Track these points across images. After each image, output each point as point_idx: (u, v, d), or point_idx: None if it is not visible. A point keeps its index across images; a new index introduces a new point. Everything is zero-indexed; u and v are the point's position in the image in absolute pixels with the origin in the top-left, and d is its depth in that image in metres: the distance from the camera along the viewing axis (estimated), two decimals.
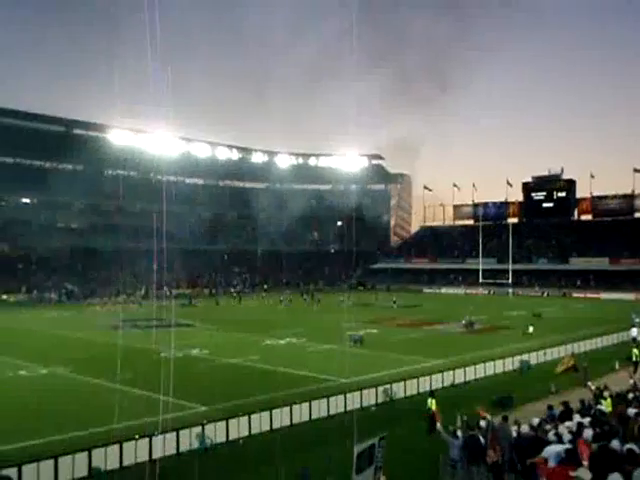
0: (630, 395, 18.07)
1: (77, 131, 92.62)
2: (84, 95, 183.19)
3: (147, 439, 16.86)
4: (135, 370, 25.73)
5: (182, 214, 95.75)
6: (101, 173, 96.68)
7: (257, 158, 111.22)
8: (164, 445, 16.84)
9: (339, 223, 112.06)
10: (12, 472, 14.64)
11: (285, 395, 22.14)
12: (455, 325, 46.88)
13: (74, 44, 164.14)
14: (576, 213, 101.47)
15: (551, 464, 10.16)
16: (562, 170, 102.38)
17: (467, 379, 27.37)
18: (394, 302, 63.70)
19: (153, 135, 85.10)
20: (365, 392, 23.09)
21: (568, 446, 10.83)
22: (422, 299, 74.29)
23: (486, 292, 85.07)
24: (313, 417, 21.00)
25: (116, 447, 16.40)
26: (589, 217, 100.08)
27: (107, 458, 16.12)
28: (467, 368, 27.87)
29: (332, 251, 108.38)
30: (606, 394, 18.43)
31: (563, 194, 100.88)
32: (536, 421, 14.47)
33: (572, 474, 8.05)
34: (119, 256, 79.01)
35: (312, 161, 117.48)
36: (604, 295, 77.45)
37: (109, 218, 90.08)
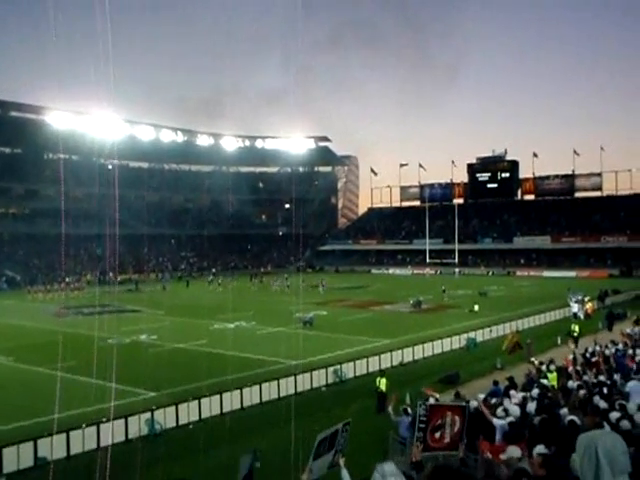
0: (570, 369, 18.63)
1: (14, 113, 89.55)
2: (21, 76, 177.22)
3: (95, 427, 16.59)
4: (81, 357, 25.22)
5: (127, 198, 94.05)
6: (41, 157, 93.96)
7: (202, 141, 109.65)
8: (112, 432, 16.60)
9: (287, 206, 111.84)
10: None
11: (235, 378, 22.07)
12: (403, 305, 47.46)
13: (8, 24, 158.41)
14: (519, 193, 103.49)
15: (497, 438, 10.39)
16: (505, 151, 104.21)
17: (415, 358, 27.81)
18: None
19: (95, 117, 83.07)
20: (315, 373, 23.21)
21: (511, 419, 11.10)
22: (370, 280, 74.93)
23: (433, 272, 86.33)
24: (264, 400, 21.01)
25: (63, 436, 16.09)
26: (532, 197, 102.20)
27: (53, 448, 15.80)
28: (415, 347, 28.30)
29: (280, 234, 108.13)
30: (552, 367, 18.97)
31: (507, 175, 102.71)
32: (482, 396, 14.77)
33: (502, 457, 8.20)
34: (62, 242, 77.12)
35: (259, 143, 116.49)
36: (546, 273, 79.53)
37: (51, 203, 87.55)
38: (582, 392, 13.10)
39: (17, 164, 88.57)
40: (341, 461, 5.93)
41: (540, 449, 8.12)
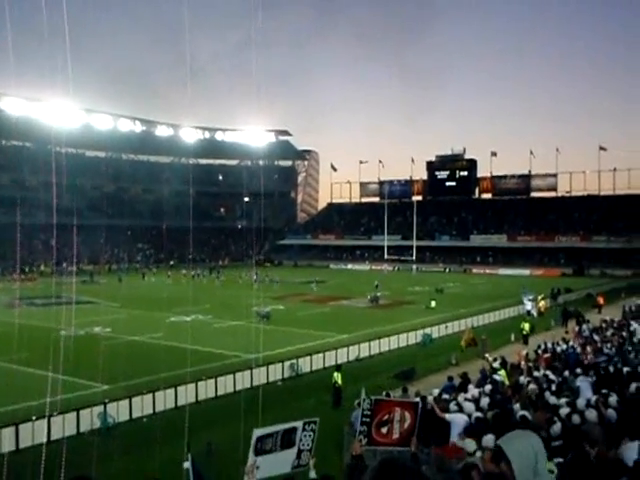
0: (522, 365, 19.00)
1: None
2: None
3: (45, 420, 16.27)
4: (33, 349, 24.71)
5: (83, 188, 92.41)
6: None
7: (161, 131, 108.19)
8: (64, 426, 16.32)
9: (246, 199, 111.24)
10: None
11: (191, 372, 21.87)
12: (361, 300, 47.69)
13: None
14: (477, 192, 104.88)
15: (456, 432, 10.51)
16: (464, 150, 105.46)
17: (372, 353, 27.97)
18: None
19: (51, 105, 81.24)
20: (272, 367, 23.19)
21: (477, 415, 11.23)
22: (328, 275, 75.11)
23: (391, 268, 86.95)
24: (219, 393, 20.91)
25: (11, 429, 15.75)
26: (489, 196, 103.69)
27: (2, 441, 15.47)
28: (372, 342, 28.46)
29: (239, 227, 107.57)
30: (498, 364, 19.29)
31: (465, 173, 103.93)
32: (436, 392, 14.95)
33: (458, 444, 8.32)
34: (15, 231, 75.35)
35: (219, 135, 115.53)
36: (502, 271, 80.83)
37: (4, 191, 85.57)
38: (533, 388, 13.37)
39: None
40: (311, 462, 5.88)
41: (489, 439, 8.24)
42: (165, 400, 19.22)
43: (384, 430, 6.24)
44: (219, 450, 14.75)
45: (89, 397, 19.30)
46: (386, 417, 6.27)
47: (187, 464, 6.14)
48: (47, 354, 22.28)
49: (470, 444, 8.10)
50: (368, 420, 6.19)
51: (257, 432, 5.83)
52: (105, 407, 17.51)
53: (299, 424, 6.01)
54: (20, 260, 72.79)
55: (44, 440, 15.72)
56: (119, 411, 17.96)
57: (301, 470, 5.92)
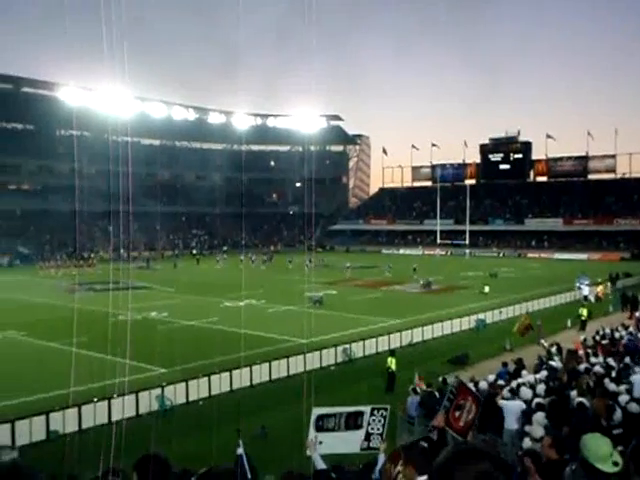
0: (580, 351, 18.61)
1: (26, 89, 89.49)
2: (33, 52, 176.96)
3: (106, 402, 16.78)
4: (92, 333, 25.42)
5: (139, 176, 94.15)
6: (53, 133, 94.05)
7: (214, 118, 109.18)
8: (123, 407, 16.78)
9: (298, 185, 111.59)
10: None
11: (245, 356, 22.18)
12: (413, 285, 47.45)
13: (20, 1, 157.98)
14: (532, 175, 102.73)
15: (511, 419, 10.42)
16: (519, 132, 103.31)
17: (425, 338, 27.85)
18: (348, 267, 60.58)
19: (106, 94, 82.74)
20: (325, 352, 23.33)
21: (538, 400, 11.09)
22: (380, 260, 74.85)
23: (444, 253, 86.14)
24: (273, 377, 21.16)
25: (74, 410, 16.28)
26: (544, 179, 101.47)
27: (65, 421, 16.01)
28: (425, 327, 28.34)
29: (291, 213, 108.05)
30: (553, 351, 18.97)
31: (519, 156, 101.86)
32: (491, 378, 14.81)
33: (526, 429, 8.27)
34: (74, 218, 77.44)
35: (270, 122, 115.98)
36: (557, 255, 79.14)
37: (63, 179, 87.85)
38: (591, 375, 13.11)
39: (29, 140, 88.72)
40: (382, 446, 5.95)
41: (539, 417, 8.11)
42: (220, 384, 19.56)
43: (457, 414, 6.31)
44: (273, 433, 14.95)
45: (147, 380, 19.78)
46: (462, 402, 6.33)
47: (240, 450, 6.25)
48: (106, 338, 22.93)
49: (537, 430, 8.00)
50: (452, 398, 6.28)
51: (317, 410, 5.95)
52: (163, 390, 17.94)
53: (367, 409, 6.11)
54: (79, 247, 74.83)
55: (105, 421, 16.25)
56: (176, 394, 18.36)
57: (371, 452, 6.00)
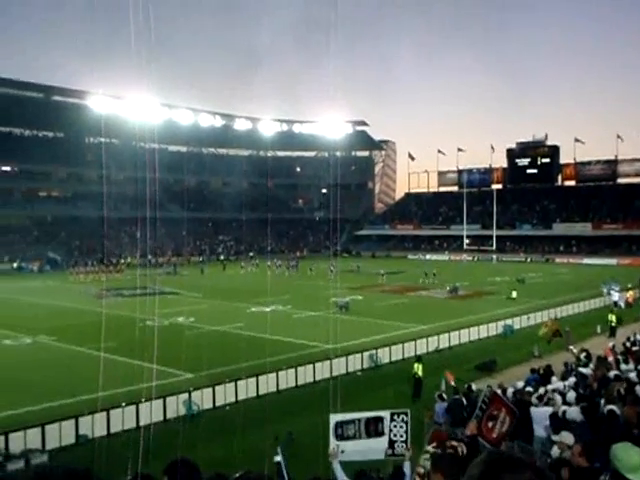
0: (610, 358, 18.33)
1: (56, 98, 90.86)
2: (63, 61, 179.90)
3: (134, 406, 16.93)
4: (120, 338, 25.75)
5: (166, 182, 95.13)
6: (82, 141, 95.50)
7: (240, 125, 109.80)
8: (151, 412, 16.92)
9: (323, 190, 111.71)
10: None
11: (271, 362, 22.23)
12: (439, 291, 47.19)
13: (52, 9, 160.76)
14: (560, 179, 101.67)
15: (540, 426, 10.30)
16: (546, 136, 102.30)
17: (451, 344, 27.66)
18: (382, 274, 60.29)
19: (134, 101, 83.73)
20: (351, 358, 23.29)
21: (565, 408, 10.96)
22: (406, 265, 74.57)
23: (470, 258, 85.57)
24: (299, 383, 21.17)
25: (103, 414, 16.45)
26: (573, 183, 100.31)
27: (94, 426, 16.18)
28: (451, 333, 28.16)
29: (317, 218, 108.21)
30: (581, 357, 18.70)
31: (547, 160, 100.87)
32: (520, 384, 14.67)
33: (554, 438, 8.17)
34: (102, 225, 78.43)
35: (296, 128, 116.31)
36: (586, 260, 78.11)
37: (92, 186, 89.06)
38: (622, 382, 12.90)
39: (59, 148, 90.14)
40: (407, 454, 5.88)
41: (573, 411, 7.98)
42: (247, 389, 19.63)
43: (490, 424, 6.28)
44: (299, 439, 14.95)
45: (174, 385, 19.91)
46: (495, 413, 6.30)
47: (278, 457, 6.24)
48: (134, 343, 23.22)
49: (568, 437, 7.90)
50: (485, 408, 6.25)
51: (334, 417, 5.92)
52: (190, 395, 18.05)
53: (386, 414, 6.05)
54: (108, 252, 75.66)
55: (133, 425, 16.39)
56: (203, 399, 18.46)
57: (396, 459, 5.95)
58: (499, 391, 12.99)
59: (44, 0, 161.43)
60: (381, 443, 5.95)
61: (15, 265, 70.47)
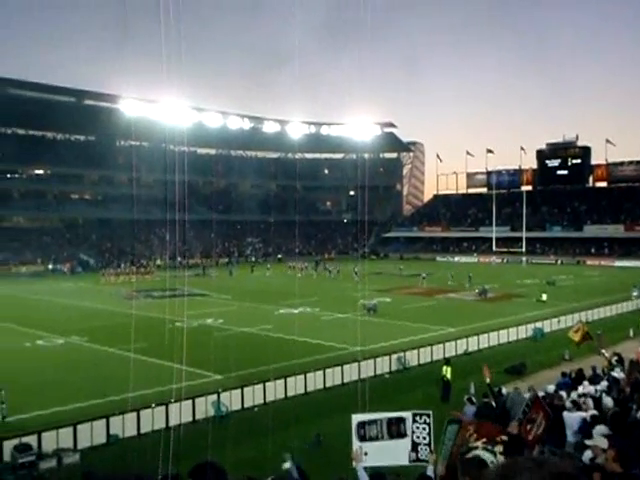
0: None
1: (88, 102, 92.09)
2: (94, 65, 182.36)
3: (163, 407, 17.08)
4: (150, 339, 26.05)
5: (195, 184, 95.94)
6: (113, 144, 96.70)
7: (269, 127, 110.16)
8: (180, 413, 17.06)
9: (351, 192, 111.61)
10: (32, 439, 14.92)
11: (299, 363, 22.29)
12: (468, 293, 46.87)
13: (84, 14, 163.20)
14: (591, 180, 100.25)
15: (571, 431, 10.19)
16: (577, 137, 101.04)
17: (480, 347, 27.45)
18: (400, 269, 60.88)
19: (164, 105, 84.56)
20: (379, 360, 23.23)
21: (592, 413, 10.82)
22: (435, 267, 74.17)
23: (499, 260, 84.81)
24: (327, 385, 21.17)
25: (133, 415, 16.63)
26: (604, 184, 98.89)
27: (125, 426, 16.36)
28: (481, 336, 27.95)
29: (345, 220, 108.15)
30: (613, 361, 18.41)
31: (578, 161, 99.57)
32: (551, 388, 14.50)
33: (588, 442, 8.06)
34: (133, 227, 79.48)
35: (324, 130, 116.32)
36: (618, 262, 76.93)
37: (122, 189, 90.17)
38: None
39: (91, 151, 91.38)
40: (431, 458, 5.79)
41: (602, 429, 7.88)
42: (275, 390, 19.68)
43: (529, 427, 6.28)
44: (327, 441, 14.96)
45: (203, 386, 20.06)
46: (534, 416, 6.30)
47: (288, 464, 6.22)
48: (163, 344, 23.46)
49: (603, 441, 7.78)
50: (527, 411, 6.26)
51: (356, 417, 5.90)
52: (219, 396, 18.15)
53: (408, 415, 6.00)
54: (138, 254, 76.53)
55: (163, 426, 16.55)
56: (231, 400, 18.56)
57: (420, 465, 5.89)
58: (526, 393, 12.88)
59: (76, 5, 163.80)
60: (404, 445, 5.90)
61: (50, 267, 71.59)
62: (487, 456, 4.96)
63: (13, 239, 78.13)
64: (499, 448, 5.20)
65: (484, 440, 5.53)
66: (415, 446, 5.89)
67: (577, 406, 11.77)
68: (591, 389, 13.55)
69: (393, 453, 5.88)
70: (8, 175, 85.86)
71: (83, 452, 15.22)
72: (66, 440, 15.39)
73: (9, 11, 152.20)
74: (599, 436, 8.23)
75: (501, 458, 5.49)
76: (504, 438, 5.50)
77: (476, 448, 5.12)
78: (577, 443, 10.46)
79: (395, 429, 5.92)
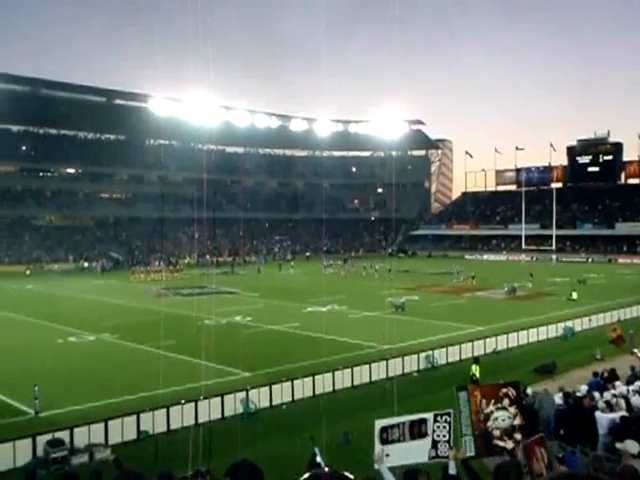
0: None
1: (118, 101, 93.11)
2: (124, 65, 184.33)
3: (193, 404, 17.24)
4: (179, 336, 26.30)
5: (223, 183, 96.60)
6: (143, 143, 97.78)
7: (296, 125, 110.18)
8: (209, 410, 17.19)
9: (379, 190, 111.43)
10: (64, 435, 15.15)
11: (327, 361, 22.30)
12: (497, 291, 46.49)
13: (114, 14, 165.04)
14: (623, 177, 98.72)
15: (601, 432, 10.07)
16: (608, 133, 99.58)
17: (510, 346, 27.19)
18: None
19: (193, 104, 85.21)
20: (407, 358, 23.14)
21: (623, 414, 10.69)
22: (463, 265, 73.63)
23: (529, 258, 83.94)
24: (355, 383, 21.17)
25: (163, 411, 16.80)
26: (637, 181, 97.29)
27: (155, 422, 16.54)
28: (510, 335, 27.67)
29: (372, 218, 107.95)
30: None
31: (609, 157, 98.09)
32: (584, 388, 14.32)
33: (618, 446, 7.97)
34: (162, 225, 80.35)
35: (352, 127, 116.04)
36: None
37: (152, 187, 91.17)
38: None
39: (121, 150, 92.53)
40: (450, 453, 5.84)
41: (632, 445, 7.75)
42: (303, 388, 19.72)
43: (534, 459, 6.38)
44: (355, 440, 14.97)
45: (231, 383, 20.17)
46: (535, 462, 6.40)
47: (318, 458, 6.32)
48: (192, 341, 23.68)
49: (632, 445, 7.64)
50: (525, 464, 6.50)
51: (380, 422, 5.96)
52: (247, 394, 18.24)
53: (429, 415, 6.04)
54: (167, 252, 77.26)
55: (192, 423, 16.70)
56: (260, 398, 18.65)
57: (440, 461, 5.92)
58: (558, 392, 12.72)
59: (106, 6, 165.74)
60: (424, 444, 5.94)
61: (85, 265, 72.56)
62: (501, 414, 6.06)
63: (45, 237, 79.50)
64: (506, 401, 6.08)
65: (493, 401, 6.10)
66: (435, 444, 5.94)
67: (610, 407, 11.63)
68: (623, 389, 13.37)
69: (414, 452, 5.93)
70: (40, 174, 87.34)
71: (114, 448, 15.41)
72: (98, 436, 15.62)
73: (39, 13, 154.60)
74: (630, 440, 8.10)
75: (512, 409, 6.12)
76: (505, 391, 6.15)
77: (491, 413, 6.02)
78: (607, 444, 10.35)
79: (417, 430, 5.97)
